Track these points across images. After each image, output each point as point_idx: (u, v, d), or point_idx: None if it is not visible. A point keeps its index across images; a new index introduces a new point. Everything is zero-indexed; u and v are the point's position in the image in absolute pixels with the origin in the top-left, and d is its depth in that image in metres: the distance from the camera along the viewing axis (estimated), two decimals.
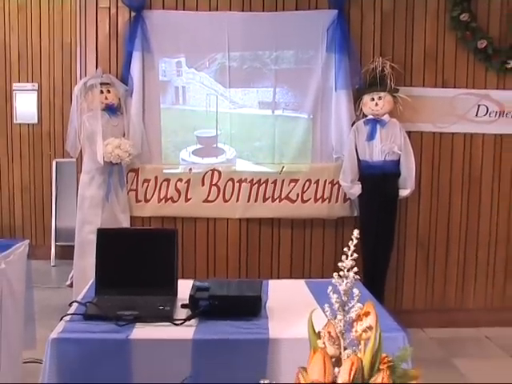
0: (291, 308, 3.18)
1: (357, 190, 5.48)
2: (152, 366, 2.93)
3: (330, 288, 1.35)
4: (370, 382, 1.31)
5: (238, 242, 5.71)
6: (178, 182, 5.64)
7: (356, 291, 1.35)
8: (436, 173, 5.82)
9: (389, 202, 5.49)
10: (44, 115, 8.19)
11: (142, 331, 3.00)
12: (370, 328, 1.34)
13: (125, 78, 5.63)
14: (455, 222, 5.85)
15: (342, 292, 1.35)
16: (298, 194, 5.65)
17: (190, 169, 5.70)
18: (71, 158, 6.16)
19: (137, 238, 3.61)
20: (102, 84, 5.55)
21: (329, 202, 5.62)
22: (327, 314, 1.38)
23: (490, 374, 4.97)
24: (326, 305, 1.39)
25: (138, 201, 5.67)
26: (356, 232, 1.39)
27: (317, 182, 5.64)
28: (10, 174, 8.16)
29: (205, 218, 5.69)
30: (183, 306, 3.19)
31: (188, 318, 3.08)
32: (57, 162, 8.11)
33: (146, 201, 5.67)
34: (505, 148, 5.87)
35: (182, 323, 3.05)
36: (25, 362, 4.34)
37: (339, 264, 1.37)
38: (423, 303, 5.90)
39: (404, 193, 5.51)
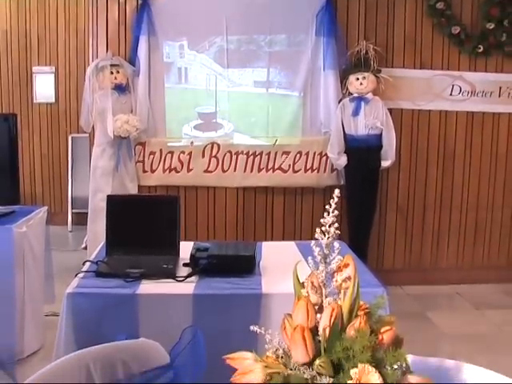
0: (282, 266, 3.16)
1: (343, 161, 5.47)
2: (157, 317, 2.94)
3: (313, 242, 1.34)
4: (349, 326, 1.31)
5: (235, 209, 5.72)
6: (181, 154, 5.64)
7: (336, 245, 1.34)
8: (414, 146, 5.82)
9: (372, 172, 5.50)
10: (60, 95, 8.16)
11: (147, 287, 3.01)
12: (349, 278, 1.34)
13: (132, 60, 5.62)
14: (431, 189, 5.86)
15: (323, 245, 1.34)
16: (289, 165, 5.65)
17: (192, 142, 5.69)
18: (85, 133, 6.17)
19: (143, 203, 3.61)
20: (111, 65, 5.54)
21: (317, 172, 5.63)
22: (310, 265, 1.37)
23: (458, 324, 5.03)
24: (309, 257, 1.38)
25: (144, 171, 5.67)
26: (337, 191, 1.38)
27: (307, 153, 5.64)
28: (31, 148, 8.14)
29: (205, 187, 5.69)
30: (185, 264, 3.20)
31: (189, 275, 3.09)
32: (72, 137, 8.09)
33: (152, 171, 5.67)
34: (475, 124, 5.86)
35: (183, 280, 3.06)
36: (46, 315, 4.36)
37: (321, 220, 1.36)
38: (402, 263, 5.92)
39: (385, 164, 5.52)
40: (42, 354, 4.12)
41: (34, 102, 8.19)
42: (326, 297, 1.35)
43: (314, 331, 1.31)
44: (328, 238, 1.33)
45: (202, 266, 3.12)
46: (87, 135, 6.08)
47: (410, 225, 5.89)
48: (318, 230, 1.33)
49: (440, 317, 5.17)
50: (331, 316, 1.28)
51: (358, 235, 5.35)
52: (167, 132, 5.72)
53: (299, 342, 1.26)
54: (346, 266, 1.35)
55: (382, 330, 1.34)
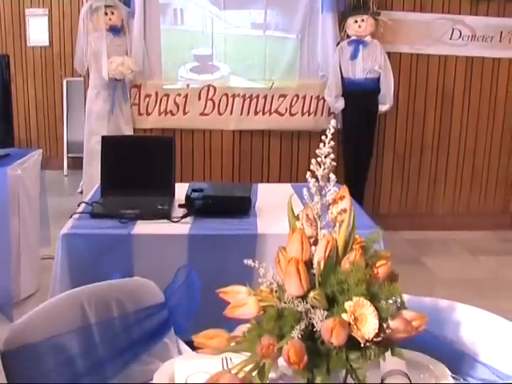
0: (277, 208, 3.15)
1: (340, 104, 5.42)
2: (151, 258, 2.95)
3: (309, 173, 1.32)
4: (344, 259, 1.29)
5: (231, 152, 5.68)
6: (177, 97, 5.58)
7: (332, 176, 1.32)
8: (412, 90, 5.75)
9: (369, 116, 5.46)
10: (54, 38, 8.03)
11: (142, 228, 3.01)
12: (344, 211, 1.31)
13: (127, 1, 5.51)
14: (428, 135, 5.82)
15: (319, 177, 1.31)
16: (286, 108, 5.60)
17: (188, 85, 5.62)
18: (80, 77, 6.10)
19: (138, 144, 3.60)
20: (106, 6, 5.44)
21: (315, 115, 5.58)
22: (306, 197, 1.34)
23: (453, 270, 5.05)
24: (304, 189, 1.35)
25: (140, 114, 5.62)
26: (333, 122, 1.35)
27: (304, 97, 5.58)
28: (26, 92, 8.04)
29: (201, 130, 5.64)
30: (180, 205, 3.19)
31: (184, 216, 3.09)
32: (67, 81, 7.99)
33: (148, 114, 5.62)
34: (475, 69, 5.78)
35: (178, 220, 3.06)
36: (42, 259, 4.37)
37: (317, 151, 1.33)
38: (398, 208, 5.91)
39: (383, 108, 5.48)
40: (39, 296, 4.13)
41: (28, 45, 8.06)
42: (321, 229, 1.33)
43: (309, 264, 1.29)
44: (324, 169, 1.30)
45: (198, 207, 3.11)
46: (82, 79, 6.02)
47: (406, 170, 5.87)
48: (313, 160, 1.30)
49: (435, 262, 5.19)
50: (326, 249, 1.27)
51: (355, 180, 5.33)
52: (163, 74, 5.64)
53: (293, 275, 1.24)
54: (342, 198, 1.33)
55: (378, 265, 1.32)
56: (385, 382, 1.73)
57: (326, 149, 1.30)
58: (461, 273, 4.99)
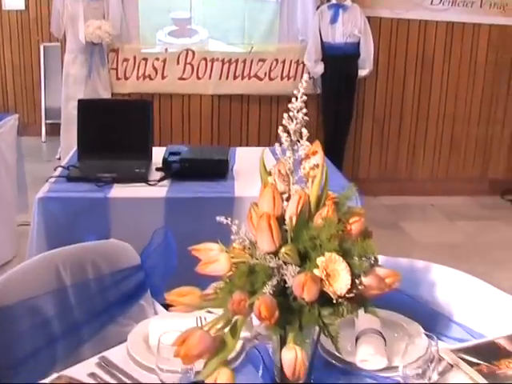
0: (255, 171, 3.14)
1: (320, 69, 5.38)
2: (128, 221, 2.93)
3: (281, 128, 1.30)
4: (316, 215, 1.28)
5: (210, 117, 5.64)
6: (155, 61, 5.52)
7: (305, 131, 1.30)
8: (392, 55, 5.72)
9: (348, 81, 5.42)
10: (31, 2, 7.86)
11: (119, 191, 3.00)
12: (316, 166, 1.30)
13: None
14: (408, 100, 5.81)
15: (291, 132, 1.30)
16: (265, 73, 5.56)
17: (166, 49, 5.56)
18: (57, 41, 6.00)
19: (115, 108, 3.57)
20: None
21: (294, 80, 5.54)
22: (278, 153, 1.32)
23: (430, 234, 5.08)
24: (276, 144, 1.34)
25: (118, 78, 5.56)
26: (305, 76, 1.33)
27: (283, 61, 5.54)
28: (2, 58, 7.91)
29: (180, 95, 5.59)
30: (157, 169, 3.18)
31: (161, 179, 3.07)
32: (44, 46, 7.86)
33: (126, 78, 5.56)
34: (455, 35, 5.76)
35: (155, 184, 3.04)
36: (19, 225, 4.33)
37: (289, 105, 1.31)
38: (377, 173, 5.92)
39: (363, 73, 5.46)
40: (16, 262, 4.07)
41: (3, 9, 7.89)
42: (294, 185, 1.31)
43: (281, 220, 1.28)
44: (296, 123, 1.28)
45: (175, 170, 3.10)
46: (59, 44, 5.93)
47: (386, 135, 5.86)
48: (285, 115, 1.28)
49: (413, 227, 5.22)
50: (298, 204, 1.25)
51: (334, 144, 5.31)
52: (141, 38, 5.58)
53: (265, 230, 1.23)
54: (314, 153, 1.31)
55: (351, 221, 1.31)
56: (359, 340, 1.74)
57: (298, 103, 1.29)
58: (438, 237, 5.02)
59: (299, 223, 1.25)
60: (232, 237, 1.35)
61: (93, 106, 3.53)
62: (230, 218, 1.37)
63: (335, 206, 1.29)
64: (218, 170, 3.13)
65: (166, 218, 2.91)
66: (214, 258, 1.28)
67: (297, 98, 1.28)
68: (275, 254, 1.25)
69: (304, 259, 1.25)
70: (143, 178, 3.07)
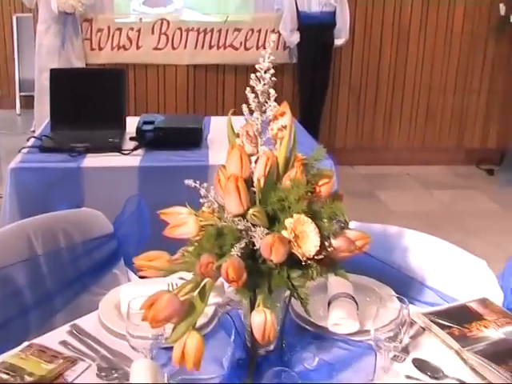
0: None
1: (296, 38, 5.33)
2: (102, 190, 2.90)
3: (248, 89, 1.27)
4: (285, 176, 1.26)
5: (185, 87, 5.58)
6: (130, 31, 5.44)
7: (272, 91, 1.27)
8: (369, 25, 5.69)
9: (324, 50, 5.37)
10: None
11: (92, 161, 2.97)
12: (284, 127, 1.28)
13: None
14: (384, 69, 5.79)
15: (258, 92, 1.27)
16: (241, 42, 5.50)
17: (141, 18, 5.48)
18: (30, 12, 5.88)
19: (88, 77, 3.52)
20: None
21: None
22: (245, 114, 1.30)
23: (406, 203, 5.10)
24: (243, 105, 1.31)
25: (92, 49, 5.48)
26: (273, 36, 1.30)
27: (259, 31, 5.49)
28: None
29: (155, 65, 5.52)
30: (131, 138, 3.14)
31: (135, 148, 3.04)
32: (17, 17, 7.71)
33: (100, 49, 5.48)
34: (431, 4, 5.73)
35: (129, 153, 3.01)
36: None
37: (256, 66, 1.28)
38: (353, 143, 5.91)
39: (339, 42, 5.42)
40: None
41: None
42: (262, 146, 1.29)
43: (249, 182, 1.26)
44: (264, 84, 1.26)
45: (149, 139, 3.07)
46: (32, 14, 5.81)
47: (362, 105, 5.85)
48: (252, 76, 1.25)
49: (389, 196, 5.23)
50: (266, 165, 1.23)
51: (310, 114, 5.29)
52: (115, 8, 5.50)
53: (233, 192, 1.21)
54: (282, 114, 1.29)
55: (320, 183, 1.30)
56: (331, 304, 1.73)
57: (265, 63, 1.26)
58: (414, 206, 5.03)
59: (267, 185, 1.23)
60: (201, 200, 1.34)
61: (65, 76, 3.48)
62: (198, 182, 1.35)
63: (304, 167, 1.27)
64: (192, 138, 3.10)
65: (139, 187, 2.88)
66: (182, 220, 1.26)
67: (264, 59, 1.25)
68: (243, 216, 1.23)
69: (273, 221, 1.24)
70: (117, 148, 3.04)
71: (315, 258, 1.22)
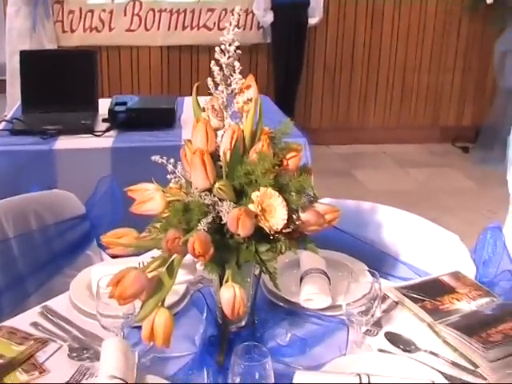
0: None
1: (269, 18, 5.29)
2: (75, 172, 2.88)
3: (213, 62, 1.25)
4: (251, 150, 1.24)
5: (159, 68, 5.52)
6: (102, 13, 5.36)
7: (237, 64, 1.26)
8: (343, 3, 5.64)
9: (299, 30, 5.32)
10: None
11: (64, 143, 2.95)
12: (250, 100, 1.26)
13: None
14: (359, 49, 5.76)
15: (223, 65, 1.25)
16: (214, 23, 5.44)
17: (113, 0, 5.40)
18: None
19: (59, 59, 3.47)
20: None
21: (243, 29, 5.42)
22: (211, 87, 1.28)
23: (382, 182, 5.10)
24: (208, 79, 1.29)
25: (64, 31, 5.39)
26: (237, 8, 1.28)
27: (232, 11, 5.40)
28: None
29: (128, 47, 5.45)
30: (104, 120, 3.12)
31: (107, 130, 3.02)
32: None
33: (72, 31, 5.39)
34: None
35: (101, 134, 2.99)
36: None
37: (220, 38, 1.26)
38: (329, 122, 5.89)
39: (313, 21, 5.38)
40: None
41: None
42: (227, 119, 1.28)
43: (215, 157, 1.25)
44: (228, 57, 1.24)
45: (121, 120, 3.04)
46: None
47: (337, 84, 5.83)
48: (217, 48, 1.23)
49: (365, 174, 5.23)
50: (232, 139, 1.22)
51: (285, 94, 5.27)
52: None
53: (198, 166, 1.19)
54: (248, 87, 1.28)
55: (288, 156, 1.28)
56: (303, 280, 1.73)
57: (229, 36, 1.24)
58: (390, 185, 5.04)
59: (234, 158, 1.21)
60: (168, 176, 1.32)
61: (35, 58, 3.43)
62: (165, 158, 1.33)
63: (271, 141, 1.25)
64: (165, 119, 3.08)
65: (112, 168, 2.86)
66: (148, 196, 1.24)
67: (228, 31, 1.23)
68: (210, 191, 1.22)
69: (240, 196, 1.22)
70: (89, 129, 3.01)
71: (283, 231, 1.21)
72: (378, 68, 5.85)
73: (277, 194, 1.18)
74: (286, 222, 1.18)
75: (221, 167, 1.24)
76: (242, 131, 1.25)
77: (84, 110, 3.20)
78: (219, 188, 1.17)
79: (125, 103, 3.13)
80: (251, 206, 1.18)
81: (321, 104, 5.84)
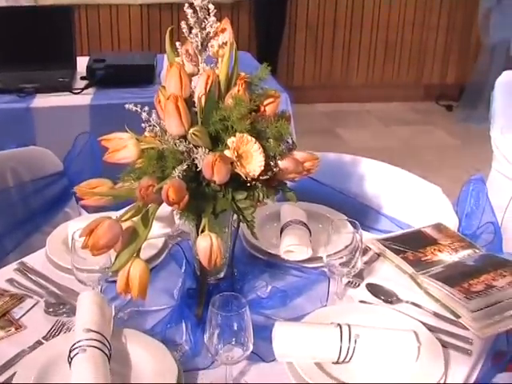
0: None
1: None
2: (53, 130, 2.84)
3: (187, 5, 1.21)
4: (227, 95, 1.20)
5: (140, 26, 5.39)
6: None
7: (212, 6, 1.21)
8: None
9: None
10: None
11: (42, 101, 2.92)
12: (225, 44, 1.22)
13: None
14: (342, 6, 5.64)
15: (197, 8, 1.21)
16: None
17: None
18: None
19: (34, 15, 3.38)
20: None
21: None
22: (185, 31, 1.24)
23: (366, 139, 5.07)
24: (182, 22, 1.25)
25: None
26: None
27: None
28: None
29: (107, 5, 5.32)
30: (82, 78, 3.07)
31: (86, 87, 2.97)
32: None
33: None
34: None
35: (80, 91, 2.95)
36: None
37: None
38: (312, 80, 5.81)
39: None
40: None
41: None
42: (202, 64, 1.23)
43: (190, 103, 1.20)
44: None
45: (100, 77, 2.99)
46: None
47: (319, 42, 5.73)
48: None
49: (349, 133, 5.19)
50: (207, 83, 1.17)
51: (267, 52, 5.19)
52: None
53: (172, 112, 1.15)
54: (223, 31, 1.23)
55: (265, 103, 1.24)
56: (284, 231, 1.70)
57: None
58: (374, 142, 5.01)
59: (209, 104, 1.17)
60: (142, 125, 1.28)
61: (10, 14, 3.34)
62: (139, 106, 1.29)
63: (247, 86, 1.21)
64: (144, 75, 3.03)
65: (91, 125, 2.82)
66: (121, 144, 1.20)
67: None
68: (185, 138, 1.18)
69: (216, 143, 1.19)
70: (67, 87, 2.97)
71: (260, 178, 1.17)
72: (361, 26, 5.76)
73: (253, 139, 1.15)
74: (263, 168, 1.15)
75: (196, 114, 1.20)
76: (217, 76, 1.20)
77: (62, 67, 3.14)
78: (194, 133, 1.13)
79: (103, 60, 3.08)
80: (227, 153, 1.14)
81: (303, 62, 5.75)
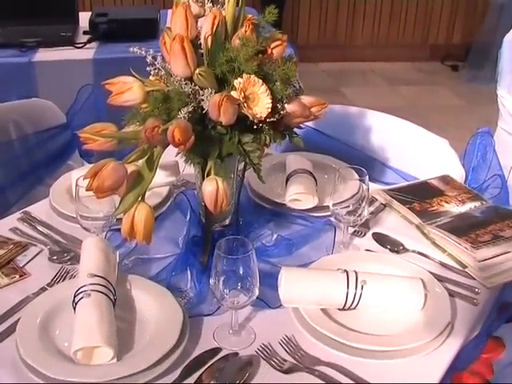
0: None
1: None
2: (56, 85, 2.82)
3: None
4: (234, 36, 1.18)
5: None
6: None
7: None
8: None
9: None
10: None
11: (44, 55, 2.90)
12: None
13: None
14: None
15: None
16: None
17: None
18: None
19: None
20: None
21: None
22: None
23: (371, 99, 5.00)
24: None
25: None
26: None
27: None
28: None
29: None
30: (85, 32, 3.04)
31: (88, 41, 2.94)
32: None
33: None
34: None
35: (82, 46, 2.92)
36: None
37: None
38: (316, 39, 5.74)
39: None
40: None
41: None
42: (208, 3, 1.21)
43: (196, 43, 1.18)
44: None
45: (102, 31, 2.96)
46: None
47: (324, 0, 5.67)
48: None
49: (354, 92, 5.15)
50: (213, 24, 1.15)
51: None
52: None
53: (178, 53, 1.13)
54: None
55: (272, 45, 1.22)
56: (289, 180, 1.69)
57: None
58: (378, 102, 4.95)
59: (215, 45, 1.15)
60: (147, 68, 1.26)
61: None
62: (143, 49, 1.27)
63: (255, 28, 1.19)
64: (148, 29, 2.99)
65: (94, 79, 2.78)
66: (126, 87, 1.18)
67: None
68: (191, 80, 1.15)
69: (222, 85, 1.16)
70: (69, 41, 2.95)
71: (267, 121, 1.15)
72: None
73: (260, 81, 1.13)
74: (270, 110, 1.13)
75: (202, 55, 1.17)
76: (224, 17, 1.18)
77: (64, 22, 3.11)
78: (199, 74, 1.11)
79: (106, 14, 3.05)
80: (234, 94, 1.12)
81: (308, 20, 5.68)
